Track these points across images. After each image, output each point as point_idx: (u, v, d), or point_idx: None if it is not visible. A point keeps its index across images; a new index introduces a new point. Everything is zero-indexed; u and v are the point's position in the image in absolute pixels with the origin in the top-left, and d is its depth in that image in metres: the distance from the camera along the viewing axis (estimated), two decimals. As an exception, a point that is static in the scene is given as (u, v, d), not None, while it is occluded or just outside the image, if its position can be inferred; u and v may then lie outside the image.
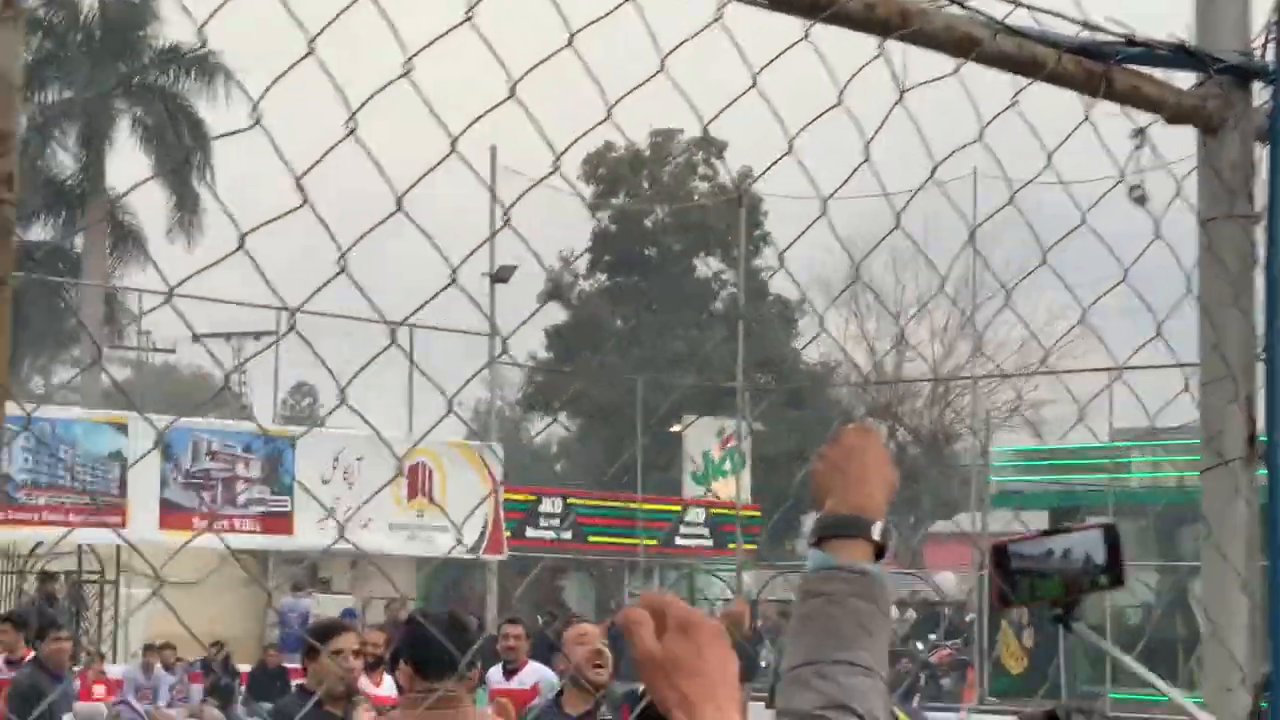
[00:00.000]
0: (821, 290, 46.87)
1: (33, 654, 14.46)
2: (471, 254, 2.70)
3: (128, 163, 42.13)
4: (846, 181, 3.02)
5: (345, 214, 2.52)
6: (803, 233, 3.17)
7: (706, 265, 52.78)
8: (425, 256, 2.68)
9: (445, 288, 2.63)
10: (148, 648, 24.93)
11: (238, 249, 2.35)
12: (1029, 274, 3.52)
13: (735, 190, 45.85)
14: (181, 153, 40.07)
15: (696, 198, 50.11)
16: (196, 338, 42.61)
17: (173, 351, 48.33)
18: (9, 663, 15.01)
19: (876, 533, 2.43)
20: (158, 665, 25.02)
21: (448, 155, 2.49)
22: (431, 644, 6.42)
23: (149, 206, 43.23)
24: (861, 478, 2.48)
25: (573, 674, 8.07)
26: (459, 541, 28.15)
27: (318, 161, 2.40)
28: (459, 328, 28.32)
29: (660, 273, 50.53)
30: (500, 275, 30.78)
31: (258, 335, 37.14)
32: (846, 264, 42.88)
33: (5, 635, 15.29)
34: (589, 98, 2.67)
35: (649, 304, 50.34)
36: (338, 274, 2.74)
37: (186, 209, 41.74)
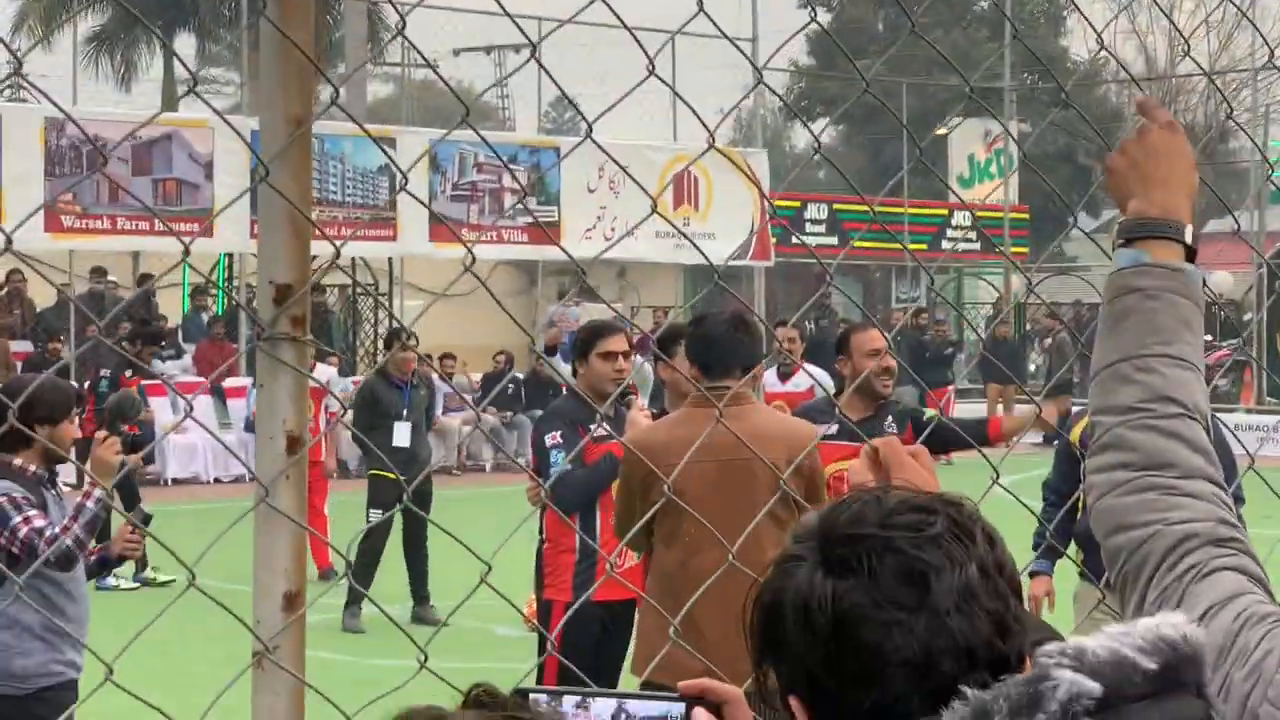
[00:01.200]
0: (1089, -15, 45.57)
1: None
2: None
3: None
4: None
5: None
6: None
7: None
8: None
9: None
10: (443, 357, 25.40)
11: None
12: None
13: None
14: None
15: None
16: (457, 52, 42.91)
17: (434, 66, 48.72)
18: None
19: (1188, 236, 2.35)
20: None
21: None
22: (715, 343, 6.43)
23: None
24: (1166, 179, 2.38)
25: (855, 379, 7.90)
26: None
27: None
28: (720, 34, 28.02)
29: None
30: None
31: (518, 48, 37.16)
32: (1116, -44, 41.64)
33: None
34: None
35: (911, 4, 49.35)
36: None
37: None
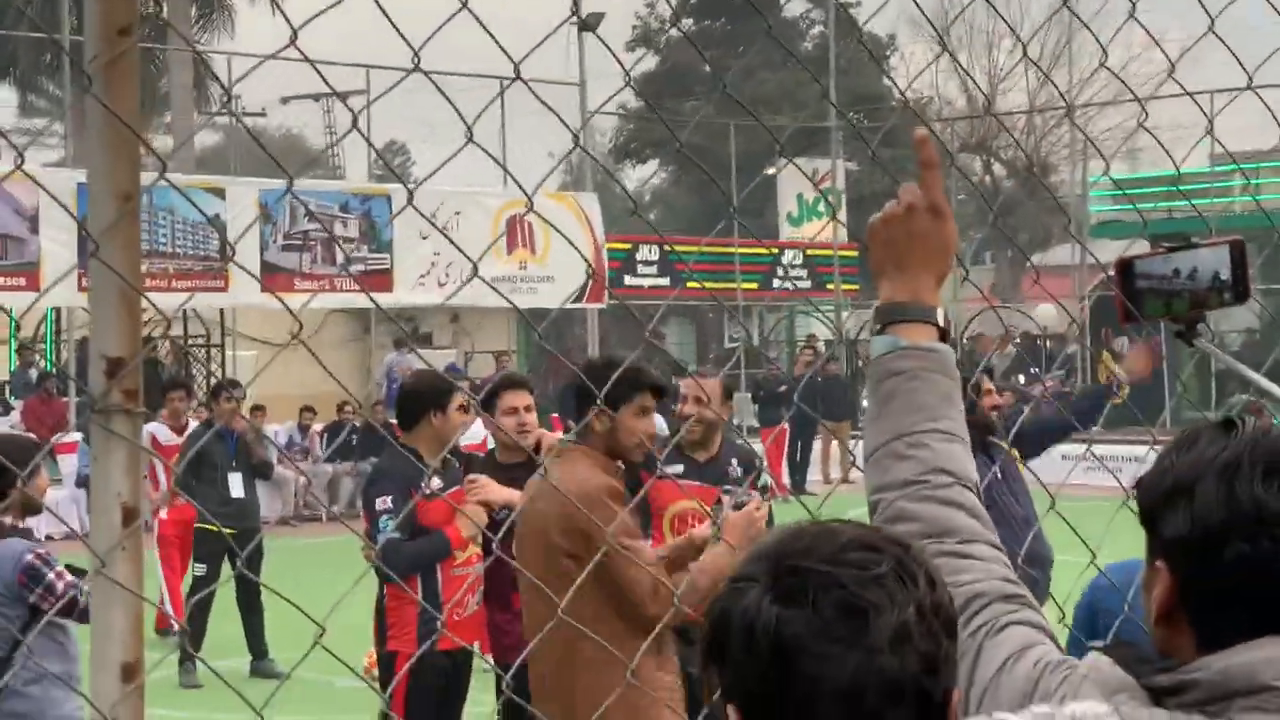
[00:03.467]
0: (909, 25, 46.24)
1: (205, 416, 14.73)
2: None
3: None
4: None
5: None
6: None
7: (794, 6, 52.16)
8: (504, 10, 2.63)
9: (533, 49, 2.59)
10: (254, 409, 25.26)
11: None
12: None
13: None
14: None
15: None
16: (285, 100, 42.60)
17: (263, 115, 48.33)
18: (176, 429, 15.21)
19: (939, 318, 2.49)
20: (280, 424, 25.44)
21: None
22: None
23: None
24: (920, 265, 2.51)
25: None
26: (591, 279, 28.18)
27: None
28: (549, 78, 28.17)
29: (747, 14, 49.93)
30: (588, 22, 30.45)
31: (345, 95, 37.04)
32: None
33: (179, 402, 15.37)
34: None
35: (737, 46, 49.79)
36: (454, 14, 2.71)
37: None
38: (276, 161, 2.70)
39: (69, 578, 6.13)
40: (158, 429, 15.10)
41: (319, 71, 2.98)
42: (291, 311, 2.90)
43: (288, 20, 2.51)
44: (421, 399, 7.91)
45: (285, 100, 45.90)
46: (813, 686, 1.72)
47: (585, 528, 5.45)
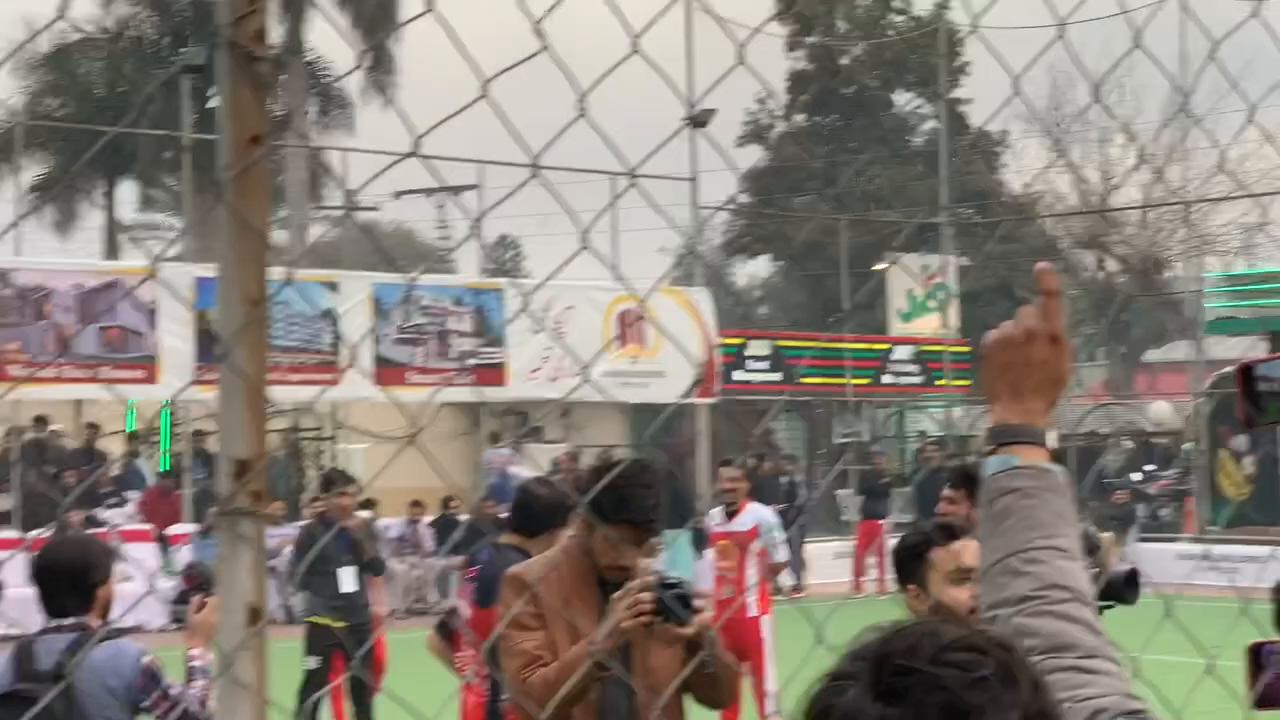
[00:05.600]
0: (1021, 120, 46.13)
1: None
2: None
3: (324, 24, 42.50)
4: (1080, 5, 2.96)
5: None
6: (1036, 58, 3.12)
7: (903, 100, 52.22)
8: (618, 104, 2.67)
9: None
10: (365, 503, 25.40)
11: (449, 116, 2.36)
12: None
13: (932, 22, 45.16)
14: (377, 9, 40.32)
15: (891, 33, 49.39)
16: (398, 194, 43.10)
17: (376, 209, 48.91)
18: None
19: (1051, 441, 2.52)
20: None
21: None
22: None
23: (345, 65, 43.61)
24: (1033, 392, 2.53)
25: None
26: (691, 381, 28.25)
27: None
28: (660, 174, 28.32)
29: (858, 111, 50.04)
30: (699, 119, 30.60)
31: (458, 190, 37.41)
32: (1047, 92, 42.29)
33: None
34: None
35: (846, 142, 49.90)
36: (571, 123, 2.75)
37: (381, 69, 42.03)
38: (389, 258, 2.68)
39: (180, 686, 6.14)
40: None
41: (433, 173, 3.02)
42: (399, 406, 2.91)
43: (408, 125, 2.54)
44: (555, 511, 7.81)
45: (398, 195, 46.47)
46: None
47: None
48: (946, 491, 6.85)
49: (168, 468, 28.88)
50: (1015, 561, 2.40)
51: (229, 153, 2.33)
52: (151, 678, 6.05)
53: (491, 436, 30.53)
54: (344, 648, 13.15)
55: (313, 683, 13.55)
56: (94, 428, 27.50)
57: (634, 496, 5.39)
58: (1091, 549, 4.58)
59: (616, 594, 5.24)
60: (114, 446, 29.32)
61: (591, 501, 5.18)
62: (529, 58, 2.58)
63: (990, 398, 2.56)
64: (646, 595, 5.10)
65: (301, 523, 18.31)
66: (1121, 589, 4.66)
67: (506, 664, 5.36)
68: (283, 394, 25.18)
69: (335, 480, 14.21)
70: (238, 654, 2.30)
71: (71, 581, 6.00)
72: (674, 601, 5.08)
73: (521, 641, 5.33)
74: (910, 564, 5.32)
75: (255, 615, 2.32)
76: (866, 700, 1.73)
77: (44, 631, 6.13)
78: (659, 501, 5.51)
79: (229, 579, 2.33)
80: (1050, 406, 2.55)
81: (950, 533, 5.35)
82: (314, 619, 13.70)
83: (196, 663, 6.24)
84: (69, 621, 6.05)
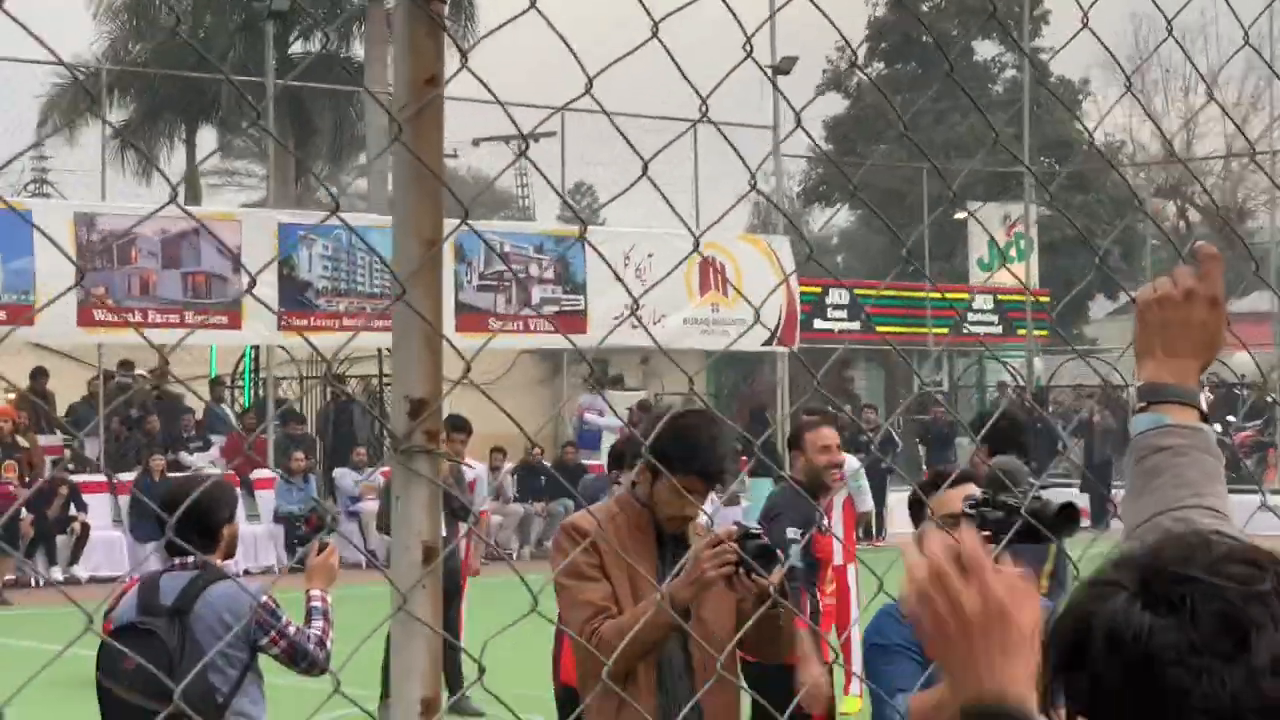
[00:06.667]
0: (1103, 68, 45.75)
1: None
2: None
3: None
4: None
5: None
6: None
7: (985, 49, 51.84)
8: (699, 53, 2.65)
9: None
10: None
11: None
12: None
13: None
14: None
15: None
16: (477, 142, 43.11)
17: (454, 155, 48.90)
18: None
19: (1202, 403, 2.51)
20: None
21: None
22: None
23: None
24: (1189, 352, 2.52)
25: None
26: (767, 328, 28.17)
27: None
28: (741, 121, 28.20)
29: (938, 58, 49.68)
30: (782, 67, 30.48)
31: (536, 137, 37.35)
32: (1130, 42, 41.95)
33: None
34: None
35: (928, 89, 49.57)
36: (644, 40, 2.75)
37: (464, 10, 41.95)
38: (460, 203, 2.54)
39: (297, 625, 6.22)
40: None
41: (511, 116, 3.00)
42: (462, 355, 2.80)
43: (481, 82, 2.47)
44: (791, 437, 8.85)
45: (476, 142, 46.38)
46: (1183, 703, 1.63)
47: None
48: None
49: (249, 408, 29.12)
50: (1165, 520, 2.38)
51: (405, 92, 2.33)
52: (270, 615, 6.13)
53: (586, 383, 30.61)
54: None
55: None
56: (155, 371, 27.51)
57: (704, 448, 5.34)
58: (1014, 481, 4.55)
59: (701, 544, 5.17)
60: (199, 391, 29.56)
61: (660, 452, 5.05)
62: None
63: (1143, 354, 2.52)
64: (731, 545, 5.03)
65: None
66: (1051, 521, 4.53)
67: (570, 615, 5.26)
68: (367, 340, 25.27)
69: (452, 426, 14.12)
70: (414, 592, 2.32)
71: (197, 521, 6.09)
72: (758, 552, 5.02)
73: (586, 592, 5.25)
74: (915, 509, 5.72)
75: (430, 554, 2.34)
76: (1134, 608, 1.68)
77: (170, 568, 6.23)
78: (727, 453, 5.47)
79: (404, 516, 2.35)
80: (1204, 368, 2.53)
81: (938, 480, 5.68)
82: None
83: (315, 603, 6.33)
84: (192, 559, 6.14)
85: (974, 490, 5.15)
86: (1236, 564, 1.69)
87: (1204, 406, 2.51)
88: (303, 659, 6.14)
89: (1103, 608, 1.70)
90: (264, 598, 6.17)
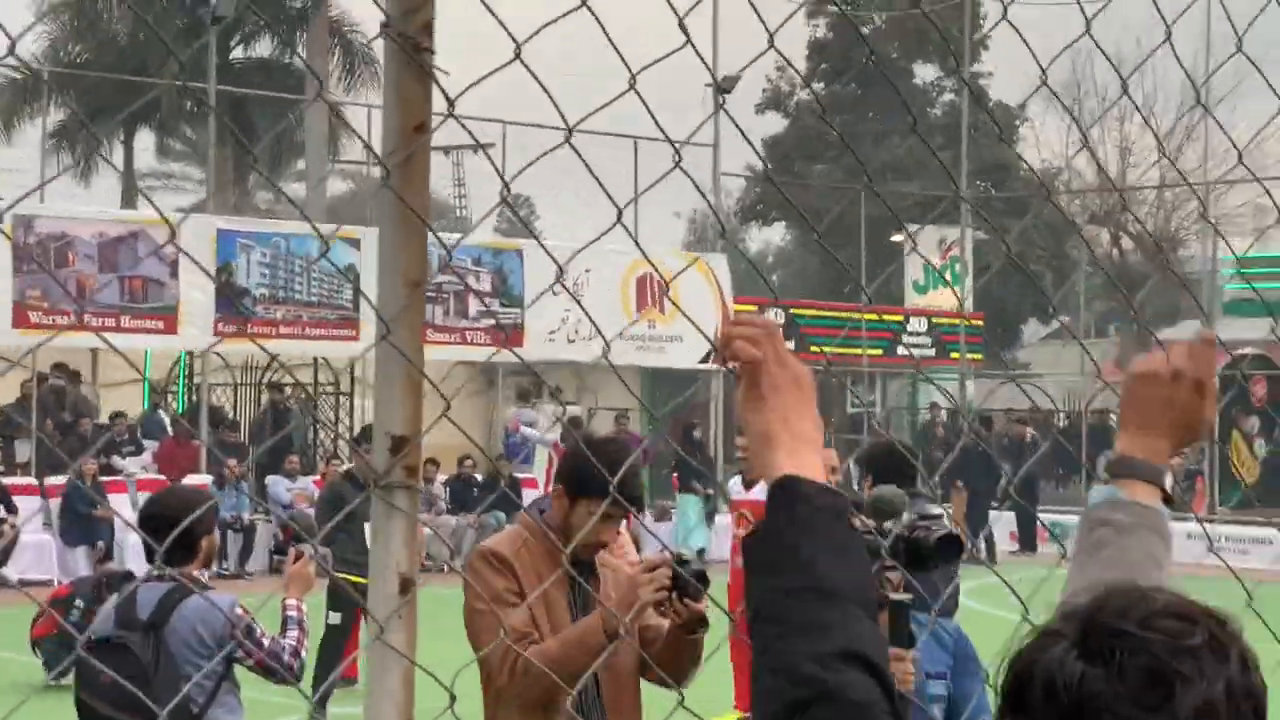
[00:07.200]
0: (1041, 97, 46.09)
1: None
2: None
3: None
4: None
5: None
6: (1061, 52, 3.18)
7: (925, 72, 52.19)
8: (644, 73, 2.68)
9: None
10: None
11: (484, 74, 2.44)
12: None
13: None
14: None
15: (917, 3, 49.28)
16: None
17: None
18: None
19: (1167, 484, 2.51)
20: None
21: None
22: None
23: (369, 20, 43.50)
24: (1160, 427, 2.52)
25: None
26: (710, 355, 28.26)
27: None
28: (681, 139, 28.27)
29: (878, 80, 49.95)
30: (724, 86, 30.58)
31: (475, 149, 37.38)
32: (1068, 69, 42.24)
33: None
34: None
35: (867, 112, 49.84)
36: (625, 92, 2.82)
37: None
38: (427, 224, 2.59)
39: (272, 636, 6.28)
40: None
41: (465, 128, 3.07)
42: (435, 386, 2.95)
43: (445, 95, 2.51)
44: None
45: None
46: None
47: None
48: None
49: (182, 415, 29.02)
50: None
51: (394, 139, 2.41)
52: (245, 633, 6.18)
53: (519, 396, 30.63)
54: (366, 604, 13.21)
55: (333, 637, 13.64)
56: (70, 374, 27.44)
57: (627, 474, 5.36)
58: (894, 512, 4.57)
59: (637, 570, 5.21)
60: (129, 397, 29.44)
61: (583, 479, 5.13)
62: (563, 16, 2.61)
63: (1122, 426, 2.55)
64: (666, 572, 5.06)
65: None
66: (931, 550, 4.57)
67: (487, 640, 5.15)
68: (303, 349, 25.29)
69: (366, 437, 14.21)
70: (390, 622, 2.40)
71: (179, 533, 6.11)
72: (692, 579, 5.06)
73: (506, 618, 5.21)
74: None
75: (406, 585, 2.42)
76: (1070, 657, 1.76)
77: (147, 579, 6.28)
78: (640, 478, 5.52)
79: (382, 549, 2.43)
80: (1177, 450, 2.53)
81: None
82: (339, 574, 13.78)
83: (291, 613, 6.38)
84: (170, 571, 6.19)
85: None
86: (1169, 618, 1.77)
87: (1168, 487, 2.53)
88: (278, 670, 6.20)
89: (1044, 656, 1.79)
90: (238, 611, 6.23)
